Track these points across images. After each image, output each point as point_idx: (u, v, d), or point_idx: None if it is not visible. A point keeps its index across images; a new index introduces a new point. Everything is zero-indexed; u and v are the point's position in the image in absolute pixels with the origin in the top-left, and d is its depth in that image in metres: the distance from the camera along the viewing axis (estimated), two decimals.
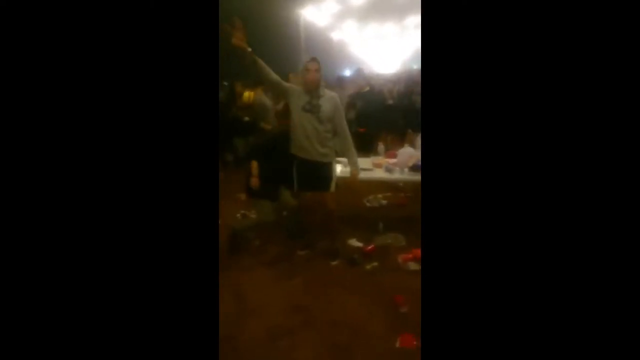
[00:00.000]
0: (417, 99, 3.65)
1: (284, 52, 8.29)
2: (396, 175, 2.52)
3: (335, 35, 9.42)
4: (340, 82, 4.38)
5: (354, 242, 2.39)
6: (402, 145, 3.96)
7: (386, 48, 9.69)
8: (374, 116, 3.76)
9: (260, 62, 1.83)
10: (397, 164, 2.52)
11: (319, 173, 2.03)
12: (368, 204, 3.14)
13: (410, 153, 2.55)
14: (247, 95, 3.93)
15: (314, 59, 1.93)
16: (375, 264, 2.14)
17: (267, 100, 3.72)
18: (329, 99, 1.97)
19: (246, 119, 3.71)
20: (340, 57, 9.53)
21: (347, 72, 6.53)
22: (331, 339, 1.56)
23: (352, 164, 2.10)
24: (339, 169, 2.33)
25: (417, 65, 4.19)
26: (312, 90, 1.93)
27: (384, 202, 3.17)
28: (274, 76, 1.92)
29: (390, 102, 3.88)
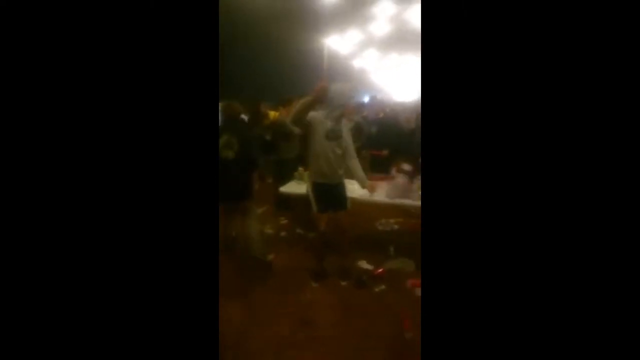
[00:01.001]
0: None
1: (307, 77, 8.64)
2: (410, 201, 2.59)
3: (357, 63, 9.75)
4: (359, 108, 4.55)
5: (364, 264, 2.43)
6: (414, 172, 4.02)
7: (405, 77, 9.92)
8: (388, 142, 3.87)
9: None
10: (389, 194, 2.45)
11: (336, 193, 2.10)
12: (380, 227, 3.18)
13: (397, 184, 2.48)
14: (273, 115, 4.12)
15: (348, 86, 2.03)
16: (384, 287, 2.16)
17: (287, 121, 3.86)
18: (345, 124, 2.09)
19: (267, 137, 3.85)
20: (361, 84, 9.82)
21: (366, 99, 6.72)
22: (334, 356, 1.59)
23: (362, 179, 2.12)
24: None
25: None
26: (339, 118, 2.00)
27: (396, 226, 3.20)
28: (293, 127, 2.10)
29: (405, 129, 3.98)
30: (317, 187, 2.10)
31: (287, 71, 8.20)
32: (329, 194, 2.09)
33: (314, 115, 2.03)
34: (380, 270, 2.33)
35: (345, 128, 2.07)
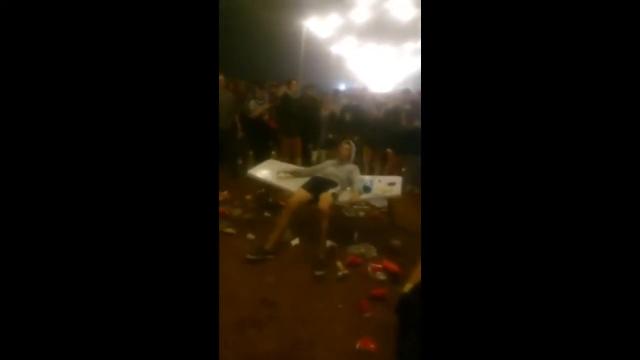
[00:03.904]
0: (406, 121, 3.84)
1: (282, 59, 8.43)
2: (375, 191, 2.70)
3: (335, 49, 9.67)
4: (334, 95, 4.57)
5: (327, 243, 2.49)
6: (384, 162, 4.14)
7: (382, 68, 10.01)
8: (360, 131, 3.95)
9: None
10: None
11: (328, 185, 2.58)
12: (347, 214, 3.26)
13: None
14: None
15: (347, 142, 2.80)
16: (346, 271, 2.24)
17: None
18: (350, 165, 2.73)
19: None
20: (337, 70, 9.77)
21: (342, 86, 6.73)
22: (296, 335, 1.64)
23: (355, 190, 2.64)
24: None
25: (411, 88, 4.40)
26: (345, 160, 2.75)
27: (362, 213, 3.29)
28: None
29: (378, 120, 4.07)
30: (314, 177, 2.66)
31: (261, 51, 7.94)
32: (322, 182, 2.59)
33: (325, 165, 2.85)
34: (354, 259, 2.38)
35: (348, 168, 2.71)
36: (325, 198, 2.40)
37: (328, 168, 2.74)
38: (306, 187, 2.54)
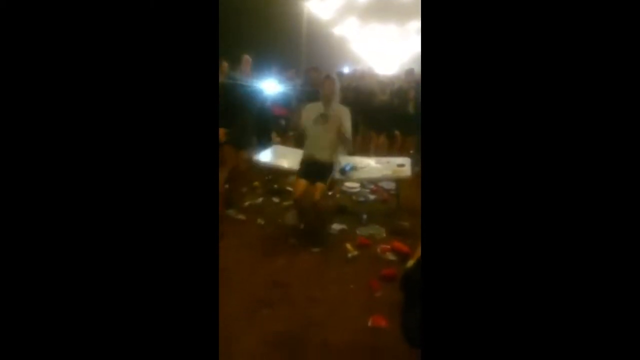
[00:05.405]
0: (411, 101, 3.78)
1: (284, 42, 8.28)
2: (384, 173, 2.69)
3: (337, 31, 9.47)
4: (338, 77, 4.51)
5: (337, 226, 2.56)
6: (391, 144, 4.10)
7: (385, 49, 9.81)
8: (365, 114, 3.90)
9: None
10: None
11: (320, 167, 2.38)
12: (354, 198, 3.27)
13: None
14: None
15: (328, 76, 2.44)
16: (356, 252, 2.27)
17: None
18: (339, 110, 2.40)
19: None
20: (340, 52, 9.59)
21: (345, 68, 6.63)
22: (308, 315, 1.68)
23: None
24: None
25: (416, 68, 4.31)
26: (328, 101, 2.36)
27: (372, 196, 3.30)
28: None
29: (382, 102, 4.01)
30: (305, 160, 2.44)
31: (263, 36, 7.79)
32: (314, 166, 2.38)
33: (306, 107, 2.46)
34: (364, 241, 2.41)
35: (337, 114, 2.35)
36: (319, 188, 2.32)
37: (316, 155, 2.40)
38: (301, 174, 2.42)
